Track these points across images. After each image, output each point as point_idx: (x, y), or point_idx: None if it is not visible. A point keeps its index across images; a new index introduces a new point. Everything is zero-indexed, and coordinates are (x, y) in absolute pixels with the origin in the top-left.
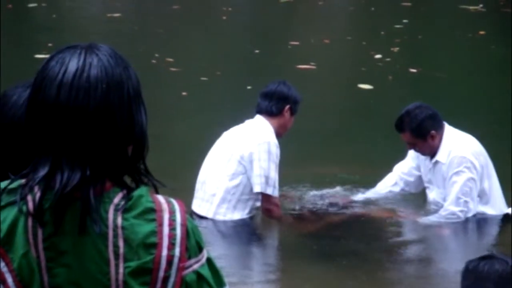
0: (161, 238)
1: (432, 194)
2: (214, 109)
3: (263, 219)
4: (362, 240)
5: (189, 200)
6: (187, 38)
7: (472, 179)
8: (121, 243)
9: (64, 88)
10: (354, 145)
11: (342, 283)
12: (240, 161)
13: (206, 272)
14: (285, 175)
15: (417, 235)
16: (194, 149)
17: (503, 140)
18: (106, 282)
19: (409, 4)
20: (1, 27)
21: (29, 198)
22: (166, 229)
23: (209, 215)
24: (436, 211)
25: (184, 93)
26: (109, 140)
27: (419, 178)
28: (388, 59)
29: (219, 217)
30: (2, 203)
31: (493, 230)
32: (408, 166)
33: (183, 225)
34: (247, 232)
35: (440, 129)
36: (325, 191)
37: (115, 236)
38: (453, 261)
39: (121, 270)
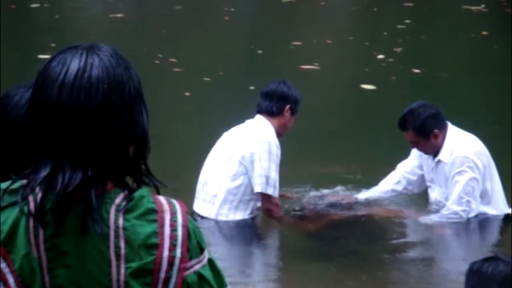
0: (162, 239)
1: (434, 194)
2: (216, 109)
3: (264, 220)
4: (362, 240)
5: (190, 200)
6: (189, 39)
7: (475, 178)
8: (122, 244)
9: (66, 88)
10: (357, 146)
11: (342, 283)
12: (241, 161)
13: (207, 273)
14: (288, 175)
15: (419, 235)
16: (196, 150)
17: (503, 140)
18: (107, 283)
19: (411, 4)
20: (4, 27)
21: (31, 198)
22: (167, 230)
23: (211, 216)
24: (437, 211)
25: (187, 94)
26: (111, 141)
27: (422, 177)
28: (391, 60)
29: (221, 218)
30: (4, 204)
31: (494, 231)
32: (411, 165)
33: (184, 226)
34: (248, 233)
35: (443, 128)
36: (326, 191)
37: (117, 236)
38: (454, 261)
39: (122, 270)
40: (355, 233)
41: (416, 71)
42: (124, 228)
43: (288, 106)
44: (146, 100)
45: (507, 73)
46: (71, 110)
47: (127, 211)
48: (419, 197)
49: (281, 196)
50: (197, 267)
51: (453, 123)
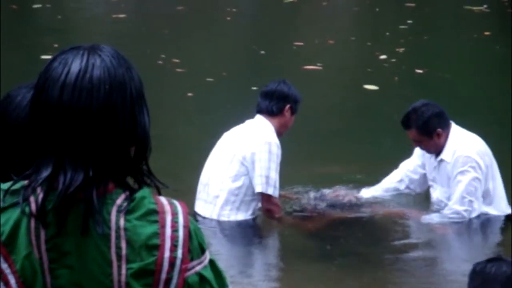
0: (163, 240)
1: (436, 193)
2: (219, 109)
3: (265, 220)
4: (363, 240)
5: (192, 201)
6: (192, 39)
7: (477, 178)
8: (123, 245)
9: (67, 89)
10: (360, 146)
11: (343, 283)
12: (243, 162)
13: (208, 274)
14: (289, 175)
15: (420, 235)
16: (199, 150)
17: (503, 140)
18: (109, 284)
19: (413, 4)
20: (6, 27)
21: (32, 199)
22: (168, 231)
23: (213, 217)
24: (439, 211)
25: (190, 94)
26: (112, 141)
27: (424, 176)
28: (393, 60)
29: (223, 219)
30: (5, 205)
31: (496, 231)
32: (414, 164)
33: (186, 226)
34: (249, 233)
35: (446, 127)
36: (326, 191)
37: (118, 237)
38: (456, 261)
39: (123, 271)
40: (356, 233)
41: (419, 71)
42: (125, 229)
43: (288, 106)
44: (148, 101)
45: (508, 73)
46: (73, 111)
47: (128, 211)
48: (420, 197)
49: (281, 196)
50: (198, 268)
51: (456, 123)
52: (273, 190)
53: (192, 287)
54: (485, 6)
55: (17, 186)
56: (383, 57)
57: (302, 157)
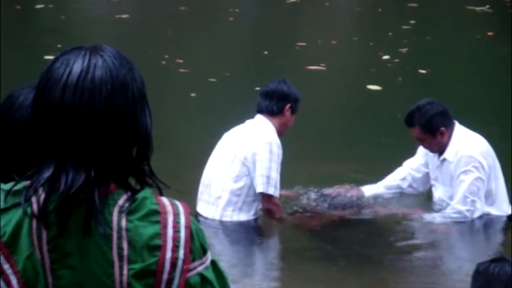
0: (165, 241)
1: (438, 193)
2: (222, 110)
3: (267, 220)
4: (364, 240)
5: (193, 202)
6: (195, 40)
7: (480, 178)
8: (125, 245)
9: (69, 89)
10: (363, 146)
11: (343, 283)
12: (244, 162)
13: (210, 275)
14: (294, 175)
15: (422, 235)
16: (202, 150)
17: (503, 140)
18: (110, 284)
19: (415, 5)
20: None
21: (34, 199)
22: (170, 231)
23: (215, 217)
24: (441, 210)
25: (193, 94)
26: (114, 141)
27: (427, 175)
28: (396, 60)
29: (225, 219)
30: (7, 205)
31: (498, 231)
32: (417, 162)
33: (187, 227)
34: (250, 234)
35: (450, 126)
36: (327, 191)
37: (119, 238)
38: (457, 261)
39: (125, 272)
40: (357, 233)
41: (422, 71)
42: (127, 229)
43: (288, 105)
44: (151, 101)
45: (510, 74)
46: (74, 111)
47: (130, 212)
48: (422, 196)
49: (282, 196)
50: (200, 269)
51: (460, 123)
52: (274, 190)
53: (194, 287)
54: (487, 6)
55: (19, 186)
56: (386, 57)
57: (304, 157)
